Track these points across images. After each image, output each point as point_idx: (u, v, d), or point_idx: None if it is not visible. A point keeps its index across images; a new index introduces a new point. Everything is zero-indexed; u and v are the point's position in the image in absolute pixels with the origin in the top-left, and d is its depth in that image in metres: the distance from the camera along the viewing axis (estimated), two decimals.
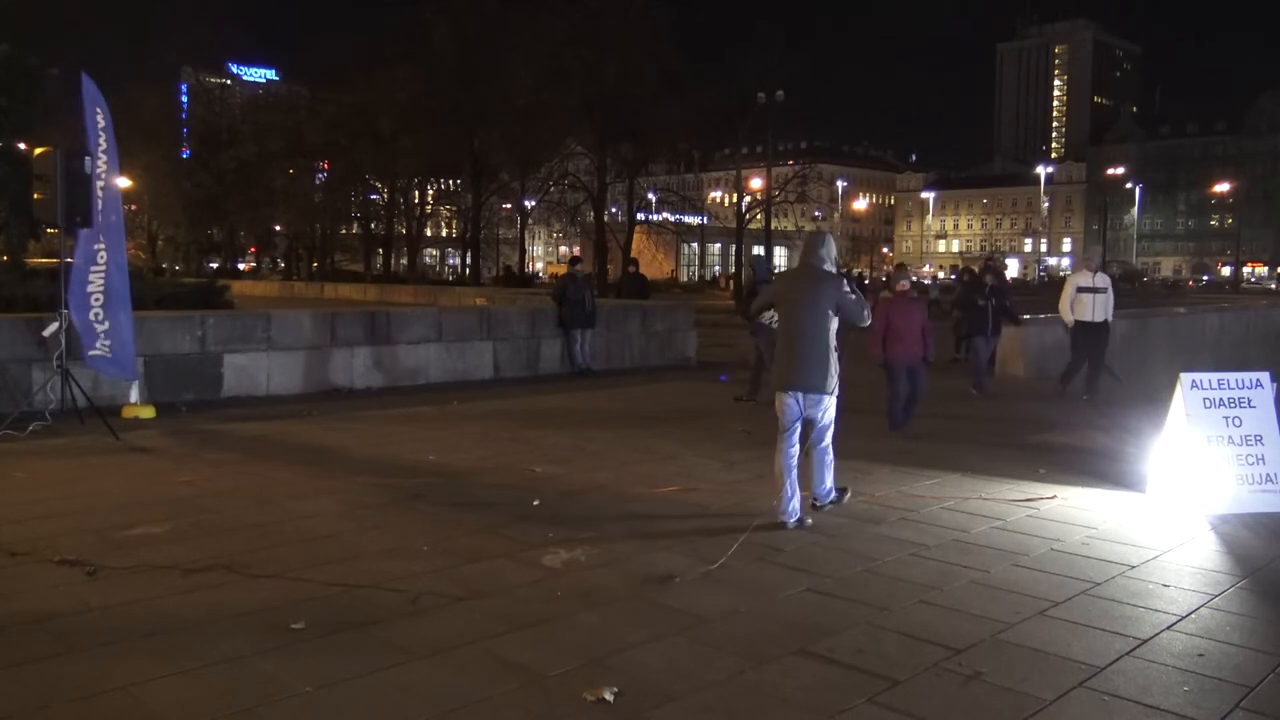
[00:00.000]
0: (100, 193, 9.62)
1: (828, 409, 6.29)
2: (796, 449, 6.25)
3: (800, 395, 6.18)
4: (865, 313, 6.47)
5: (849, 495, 6.72)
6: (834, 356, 6.25)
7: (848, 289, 6.36)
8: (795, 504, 6.19)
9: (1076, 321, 12.51)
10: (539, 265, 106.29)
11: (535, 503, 6.66)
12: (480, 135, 52.11)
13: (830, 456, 6.50)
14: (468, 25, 48.37)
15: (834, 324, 6.24)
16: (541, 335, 14.91)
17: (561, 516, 6.33)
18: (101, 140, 9.62)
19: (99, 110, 9.59)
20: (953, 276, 26.59)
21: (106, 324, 9.57)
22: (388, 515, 6.32)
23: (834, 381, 6.26)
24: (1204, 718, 3.66)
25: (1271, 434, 6.90)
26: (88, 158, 9.54)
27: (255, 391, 11.78)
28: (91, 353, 9.55)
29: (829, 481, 6.57)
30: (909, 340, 9.57)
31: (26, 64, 24.82)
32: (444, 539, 5.77)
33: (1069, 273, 14.17)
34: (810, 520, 6.24)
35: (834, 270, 6.41)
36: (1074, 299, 12.55)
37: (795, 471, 6.21)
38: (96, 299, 9.55)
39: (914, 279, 16.38)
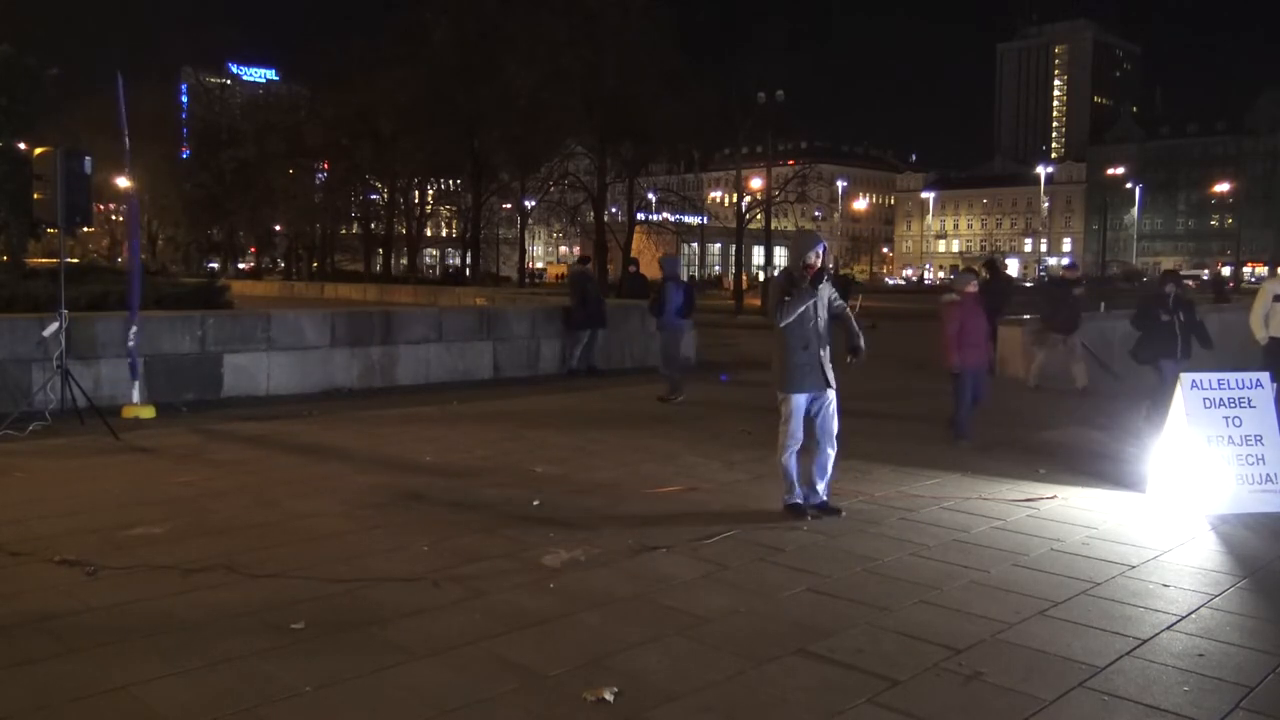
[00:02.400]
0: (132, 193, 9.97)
1: (779, 403, 6.43)
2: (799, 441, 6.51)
3: None
4: (778, 313, 6.26)
5: (803, 519, 6.36)
6: (781, 353, 6.30)
7: (781, 288, 6.34)
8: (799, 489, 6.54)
9: (1271, 338, 10.29)
10: (540, 265, 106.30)
11: (535, 503, 6.66)
12: (480, 135, 52.07)
13: (779, 457, 6.45)
14: (468, 25, 48.36)
15: (779, 321, 6.24)
16: (541, 335, 14.90)
17: (561, 516, 6.34)
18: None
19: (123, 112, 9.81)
20: (953, 277, 26.32)
21: (135, 326, 9.80)
22: (388, 515, 6.32)
23: (779, 379, 6.35)
24: (1204, 718, 3.66)
25: (1271, 434, 6.90)
26: (88, 158, 9.60)
27: (255, 391, 11.78)
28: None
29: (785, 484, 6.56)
30: (980, 345, 9.31)
31: (26, 64, 24.85)
32: (444, 539, 5.78)
33: (1265, 278, 11.48)
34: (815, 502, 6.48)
35: (789, 270, 6.48)
36: (1270, 310, 10.33)
37: (798, 462, 6.53)
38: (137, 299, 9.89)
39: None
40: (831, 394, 6.37)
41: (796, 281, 6.23)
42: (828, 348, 6.37)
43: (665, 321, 12.37)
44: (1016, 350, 15.38)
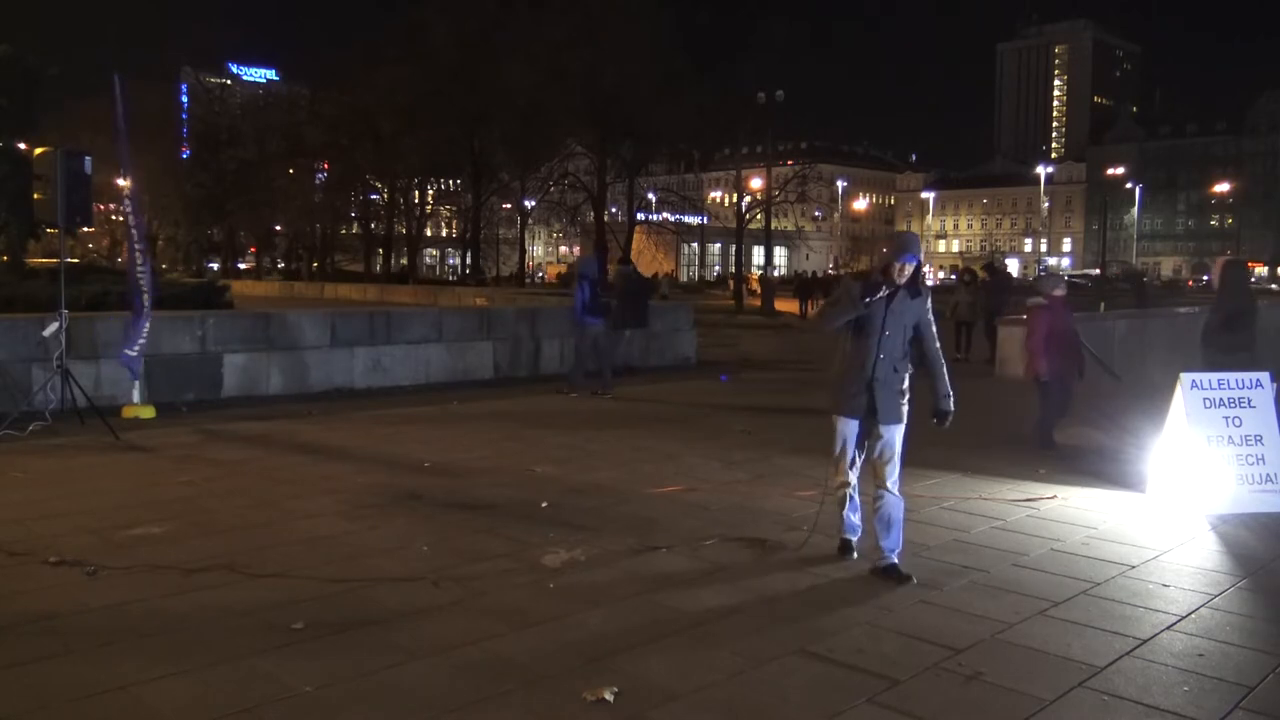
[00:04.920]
0: (130, 193, 9.91)
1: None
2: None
3: None
4: (821, 316, 5.55)
5: (847, 555, 5.56)
6: (834, 367, 5.47)
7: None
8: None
9: None
10: (539, 265, 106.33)
11: (544, 504, 6.64)
12: (480, 135, 52.20)
13: (835, 499, 5.59)
14: (468, 25, 48.43)
15: (822, 325, 5.56)
16: (541, 335, 14.89)
17: (561, 516, 6.33)
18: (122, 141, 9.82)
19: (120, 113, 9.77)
20: (953, 277, 26.26)
21: (149, 324, 9.89)
22: (388, 515, 6.32)
23: (828, 392, 5.56)
24: (1204, 718, 3.66)
25: (1271, 434, 6.90)
26: (88, 158, 9.60)
27: (255, 391, 11.78)
28: (130, 351, 9.91)
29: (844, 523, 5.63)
30: (1069, 352, 8.89)
31: (26, 64, 24.88)
32: (444, 539, 5.78)
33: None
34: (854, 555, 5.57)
35: (868, 272, 5.51)
36: None
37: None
38: (148, 299, 9.93)
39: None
40: (888, 430, 5.26)
41: (871, 287, 5.16)
42: (898, 376, 5.23)
43: (575, 318, 12.73)
44: (1016, 350, 15.38)
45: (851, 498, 5.55)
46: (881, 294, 5.15)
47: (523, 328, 14.80)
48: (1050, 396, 9.04)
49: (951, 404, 5.40)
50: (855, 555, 5.53)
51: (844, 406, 5.35)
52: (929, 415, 5.43)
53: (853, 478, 5.50)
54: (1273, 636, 4.51)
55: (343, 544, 5.66)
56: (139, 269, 9.93)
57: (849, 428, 5.38)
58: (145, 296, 9.91)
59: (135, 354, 9.95)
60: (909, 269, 5.16)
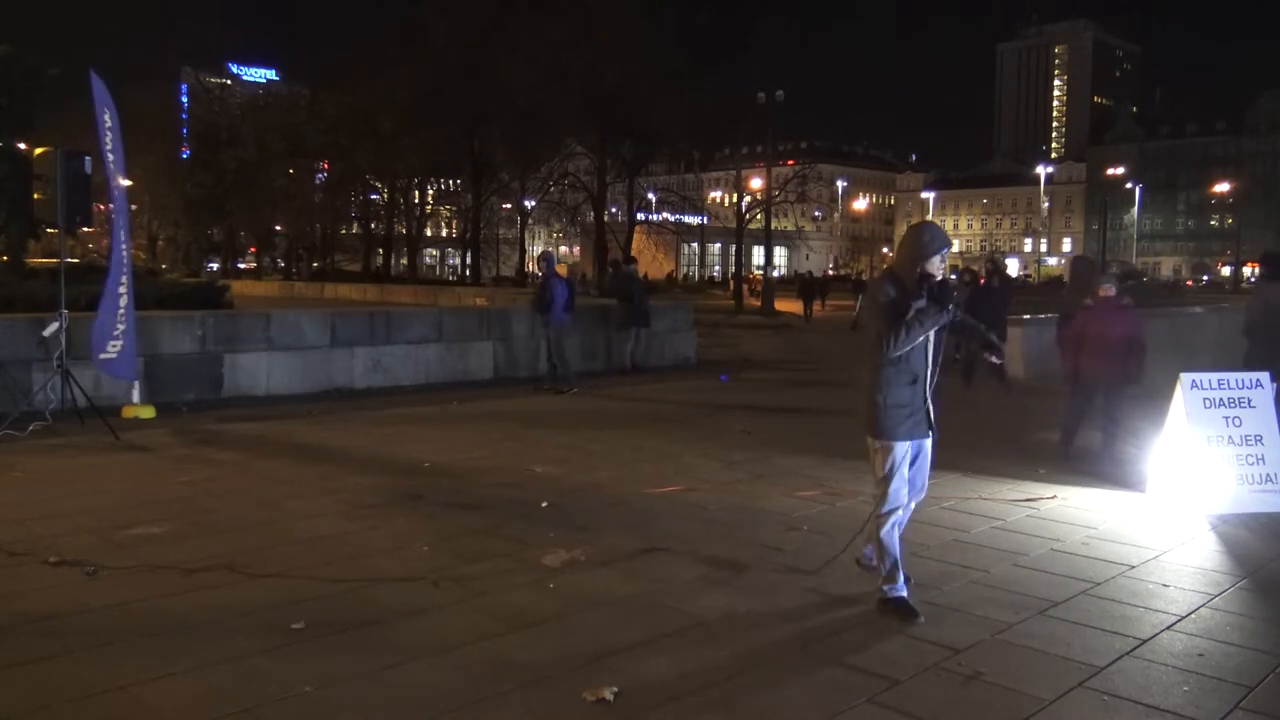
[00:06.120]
0: (115, 193, 9.77)
1: (871, 453, 4.88)
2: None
3: None
4: (890, 341, 4.55)
5: (912, 619, 4.61)
6: (876, 386, 4.70)
7: (880, 295, 4.71)
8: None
9: None
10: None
11: (544, 504, 6.64)
12: (480, 135, 52.17)
13: (877, 530, 4.83)
14: (468, 25, 48.41)
15: (892, 350, 4.59)
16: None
17: (561, 516, 6.33)
18: (109, 141, 9.69)
19: (107, 111, 9.64)
20: (953, 276, 26.17)
21: (123, 325, 9.65)
22: (388, 515, 6.32)
23: (872, 422, 4.75)
24: (1204, 718, 3.66)
25: (1271, 434, 6.90)
26: (88, 158, 9.58)
27: (255, 391, 11.78)
28: (102, 356, 9.58)
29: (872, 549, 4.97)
30: (1107, 354, 8.29)
31: (26, 64, 24.89)
32: (444, 539, 5.78)
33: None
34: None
35: (896, 274, 4.73)
36: None
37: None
38: (123, 300, 9.68)
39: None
40: (928, 443, 4.88)
41: (946, 293, 4.59)
42: (935, 380, 4.78)
43: (553, 318, 12.92)
44: (1017, 350, 15.39)
45: (900, 538, 4.85)
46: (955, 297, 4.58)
47: (522, 328, 14.79)
48: (1076, 396, 8.87)
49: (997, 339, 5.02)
50: (923, 619, 4.60)
51: (901, 430, 4.71)
52: (987, 373, 4.85)
53: (906, 499, 4.88)
54: (1273, 636, 4.51)
55: (343, 544, 5.66)
56: (122, 265, 9.81)
57: (905, 450, 4.78)
58: (122, 297, 9.61)
59: (110, 355, 9.54)
60: (944, 263, 4.70)
